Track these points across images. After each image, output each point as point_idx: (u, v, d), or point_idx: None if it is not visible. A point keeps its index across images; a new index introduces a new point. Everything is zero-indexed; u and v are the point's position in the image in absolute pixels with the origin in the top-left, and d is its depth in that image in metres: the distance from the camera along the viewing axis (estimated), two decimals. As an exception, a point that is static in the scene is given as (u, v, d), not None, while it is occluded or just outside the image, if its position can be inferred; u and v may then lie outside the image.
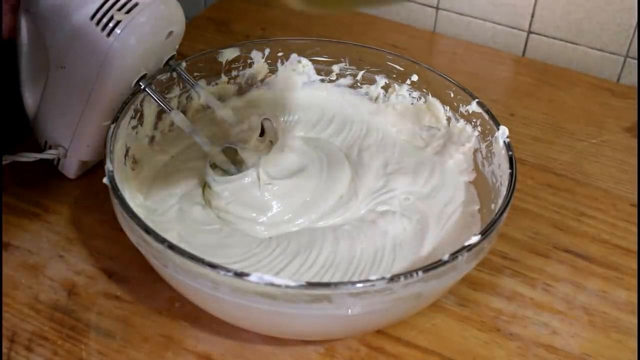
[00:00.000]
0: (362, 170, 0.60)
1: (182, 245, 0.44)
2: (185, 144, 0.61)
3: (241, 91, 0.65)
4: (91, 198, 0.61)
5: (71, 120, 0.57)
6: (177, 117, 0.57)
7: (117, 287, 0.55)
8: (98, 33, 0.51)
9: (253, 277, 0.42)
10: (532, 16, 0.83)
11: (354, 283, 0.43)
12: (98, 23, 0.51)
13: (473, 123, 0.59)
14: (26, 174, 0.63)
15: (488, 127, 0.57)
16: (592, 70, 0.82)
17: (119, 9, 0.51)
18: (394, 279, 0.43)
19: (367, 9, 0.88)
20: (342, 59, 0.65)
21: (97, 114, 0.55)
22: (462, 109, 0.59)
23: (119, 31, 0.51)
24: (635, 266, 0.59)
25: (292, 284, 0.42)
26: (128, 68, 0.53)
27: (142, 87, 0.55)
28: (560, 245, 0.60)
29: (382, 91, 0.65)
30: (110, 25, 0.51)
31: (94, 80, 0.53)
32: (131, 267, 0.56)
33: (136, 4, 0.52)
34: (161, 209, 0.56)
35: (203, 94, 0.59)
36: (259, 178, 0.55)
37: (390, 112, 0.65)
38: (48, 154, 0.59)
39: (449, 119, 0.61)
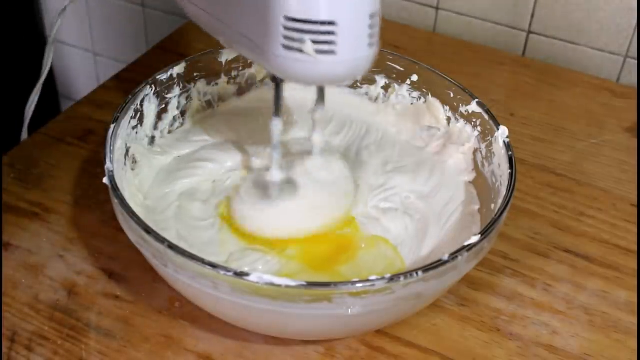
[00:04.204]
0: (360, 168, 0.60)
1: (181, 244, 0.44)
2: (186, 145, 0.61)
3: (241, 91, 0.65)
4: (91, 198, 0.61)
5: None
6: (277, 127, 0.53)
7: (117, 287, 0.55)
8: None
9: (253, 277, 0.42)
10: (532, 16, 0.83)
11: (354, 283, 0.43)
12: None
13: (473, 123, 0.59)
14: (27, 174, 0.64)
15: (488, 127, 0.57)
16: (592, 70, 0.82)
17: None
18: (394, 278, 0.43)
19: None
20: (342, 59, 0.65)
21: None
22: (462, 109, 0.59)
23: None
24: (635, 266, 0.59)
25: (292, 283, 0.42)
26: None
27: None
28: (560, 245, 0.60)
29: (382, 91, 0.65)
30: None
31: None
32: (131, 267, 0.56)
33: None
34: (160, 208, 0.56)
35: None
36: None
37: (390, 112, 0.65)
38: None
39: (448, 119, 0.61)
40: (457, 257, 0.45)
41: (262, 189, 0.54)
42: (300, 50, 0.43)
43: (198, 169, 0.59)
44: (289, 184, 0.54)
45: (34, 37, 1.16)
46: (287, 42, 0.43)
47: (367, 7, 0.44)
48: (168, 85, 0.60)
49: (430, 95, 0.62)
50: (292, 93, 0.66)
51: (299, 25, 0.43)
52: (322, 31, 0.43)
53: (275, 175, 0.54)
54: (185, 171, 0.59)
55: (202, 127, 0.63)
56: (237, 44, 0.48)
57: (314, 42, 0.43)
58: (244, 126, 0.63)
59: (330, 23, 0.43)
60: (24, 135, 0.66)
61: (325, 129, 0.64)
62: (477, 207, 0.57)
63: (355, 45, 0.44)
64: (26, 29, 1.15)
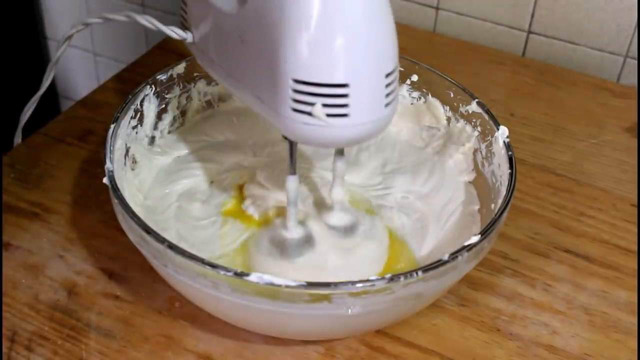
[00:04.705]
0: (356, 169, 0.60)
1: (181, 244, 0.44)
2: (186, 146, 0.61)
3: (241, 91, 0.65)
4: (91, 198, 0.61)
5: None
6: (292, 184, 0.50)
7: (117, 287, 0.55)
8: None
9: (253, 277, 0.42)
10: (532, 16, 0.83)
11: (353, 283, 0.43)
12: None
13: (473, 123, 0.59)
14: (27, 174, 0.64)
15: (488, 127, 0.57)
16: (592, 70, 0.82)
17: None
18: (393, 278, 0.43)
19: None
20: (342, 59, 0.65)
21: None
22: (462, 109, 0.59)
23: None
24: (635, 266, 0.59)
25: (292, 283, 0.42)
26: None
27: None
28: (560, 245, 0.60)
29: (382, 91, 0.65)
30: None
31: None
32: (131, 267, 0.56)
33: None
34: (161, 208, 0.56)
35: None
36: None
37: (390, 112, 0.65)
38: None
39: (448, 119, 0.61)
40: (457, 257, 0.45)
41: (279, 245, 0.52)
42: (310, 114, 0.41)
43: (197, 169, 0.59)
44: (307, 241, 0.52)
45: (34, 37, 1.17)
46: (296, 105, 0.41)
47: (383, 66, 0.41)
48: (168, 85, 0.60)
49: (430, 95, 0.62)
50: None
51: (308, 88, 0.40)
52: (333, 94, 0.40)
53: (293, 232, 0.52)
54: (185, 171, 0.59)
55: (201, 127, 0.63)
56: (248, 101, 0.46)
57: (325, 105, 0.40)
58: (243, 126, 0.63)
59: (342, 86, 0.40)
60: (17, 140, 0.66)
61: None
62: (477, 207, 0.57)
63: (370, 107, 0.41)
64: (26, 28, 1.15)
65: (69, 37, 0.59)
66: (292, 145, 0.48)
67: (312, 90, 0.40)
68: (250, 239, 0.54)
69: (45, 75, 0.61)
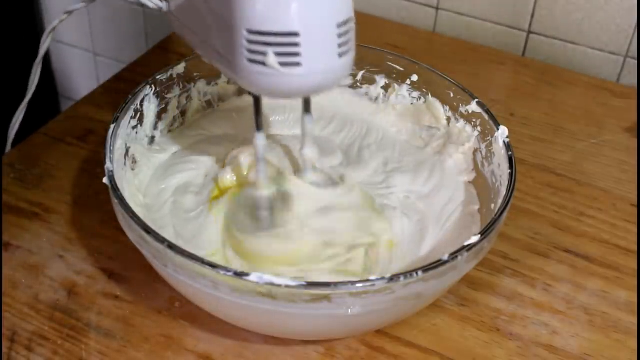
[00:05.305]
0: (360, 165, 0.60)
1: (179, 242, 0.44)
2: (185, 144, 0.61)
3: (241, 91, 0.65)
4: (91, 198, 0.61)
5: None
6: (260, 141, 0.51)
7: (117, 287, 0.55)
8: None
9: (253, 277, 0.42)
10: (532, 16, 0.83)
11: (353, 283, 0.43)
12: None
13: (473, 123, 0.59)
14: (27, 174, 0.64)
15: (488, 127, 0.57)
16: (592, 70, 0.82)
17: None
18: (393, 278, 0.43)
19: None
20: (342, 59, 0.65)
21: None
22: (462, 109, 0.59)
23: None
24: (635, 266, 0.59)
25: (292, 283, 0.42)
26: None
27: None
28: (560, 245, 0.60)
29: (382, 91, 0.65)
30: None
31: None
32: (131, 267, 0.56)
33: None
34: (157, 205, 0.56)
35: None
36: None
37: (390, 112, 0.65)
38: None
39: (448, 119, 0.61)
40: (457, 257, 0.45)
41: (253, 208, 0.52)
42: (264, 63, 0.42)
43: (192, 163, 0.59)
44: (282, 199, 0.52)
45: (34, 37, 1.16)
46: (250, 56, 0.42)
47: (334, 16, 0.42)
48: (168, 85, 0.60)
49: (430, 95, 0.62)
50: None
51: (261, 37, 0.42)
52: (284, 43, 0.42)
53: (264, 188, 0.53)
54: (182, 165, 0.59)
55: (200, 123, 0.63)
56: (213, 59, 0.48)
57: (277, 54, 0.42)
58: (242, 120, 0.63)
59: (292, 34, 0.41)
60: (8, 148, 0.66)
61: (326, 128, 0.64)
62: (477, 207, 0.57)
63: (323, 56, 0.42)
64: (26, 28, 1.15)
65: (53, 29, 0.59)
66: (256, 100, 0.49)
67: (264, 39, 0.42)
68: (229, 211, 0.54)
69: (32, 72, 0.62)
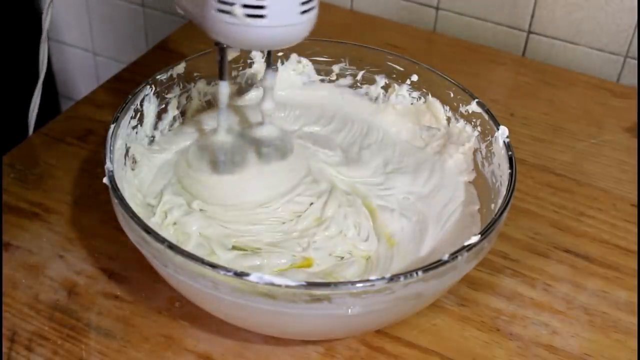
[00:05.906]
0: (360, 165, 0.60)
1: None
2: (185, 142, 0.61)
3: (241, 91, 0.65)
4: (91, 198, 0.61)
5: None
6: (223, 89, 0.54)
7: (117, 287, 0.55)
8: None
9: (253, 277, 0.42)
10: (532, 16, 0.83)
11: (353, 283, 0.43)
12: None
13: (473, 123, 0.59)
14: (27, 174, 0.64)
15: (488, 127, 0.57)
16: (592, 70, 0.82)
17: None
18: (393, 278, 0.43)
19: None
20: (342, 59, 0.65)
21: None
22: (462, 109, 0.59)
23: None
24: (635, 266, 0.59)
25: (292, 283, 0.42)
26: None
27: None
28: (560, 245, 0.60)
29: (382, 91, 0.65)
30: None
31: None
32: (131, 267, 0.56)
33: None
34: (157, 205, 0.56)
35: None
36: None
37: (390, 112, 0.65)
38: None
39: (448, 119, 0.61)
40: (457, 257, 0.45)
41: (210, 154, 0.56)
42: (231, 13, 0.45)
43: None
44: (239, 151, 0.55)
45: (34, 37, 1.16)
46: (219, 6, 0.45)
47: None
48: (168, 85, 0.60)
49: (430, 95, 0.62)
50: (292, 93, 0.66)
51: None
52: None
53: (222, 135, 0.55)
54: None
55: (199, 119, 0.63)
56: (187, 10, 0.50)
57: (244, 6, 0.45)
58: (242, 114, 0.63)
59: None
60: (30, 132, 0.66)
61: (326, 128, 0.64)
62: (477, 207, 0.57)
63: (286, 12, 0.46)
64: (26, 28, 1.15)
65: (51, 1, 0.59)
66: (222, 51, 0.52)
67: None
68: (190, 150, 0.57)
69: (40, 50, 0.62)
